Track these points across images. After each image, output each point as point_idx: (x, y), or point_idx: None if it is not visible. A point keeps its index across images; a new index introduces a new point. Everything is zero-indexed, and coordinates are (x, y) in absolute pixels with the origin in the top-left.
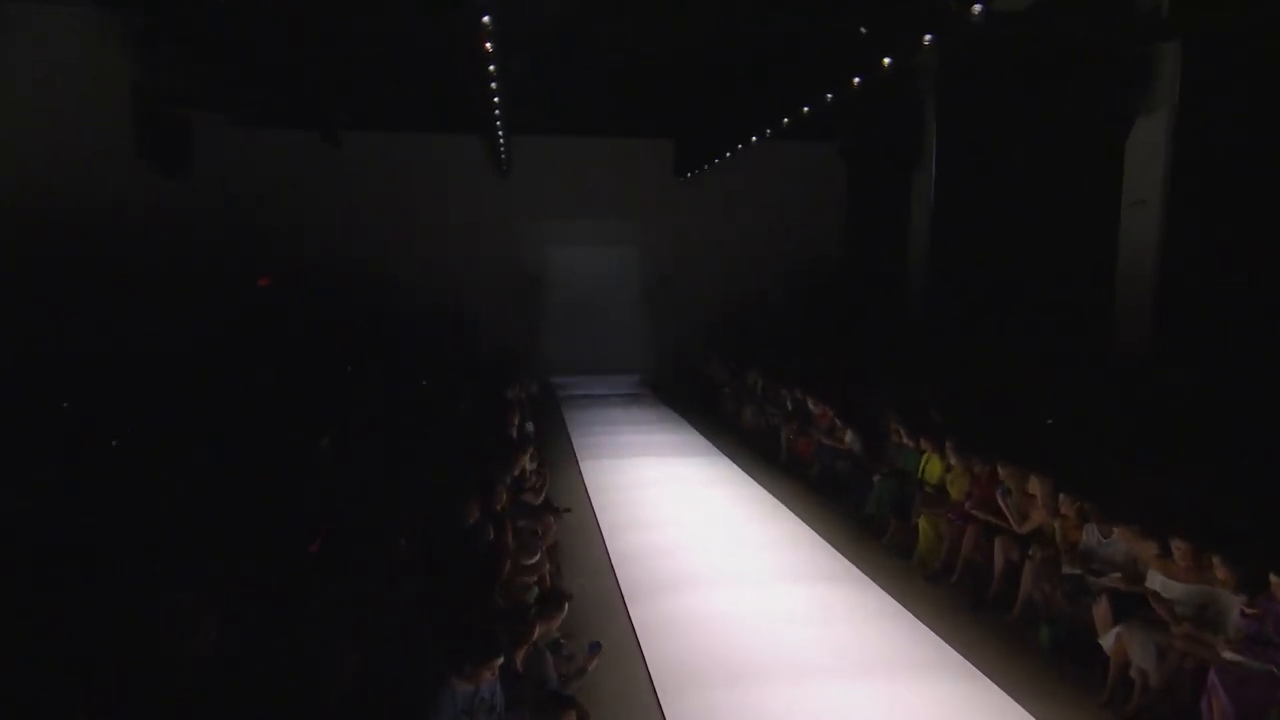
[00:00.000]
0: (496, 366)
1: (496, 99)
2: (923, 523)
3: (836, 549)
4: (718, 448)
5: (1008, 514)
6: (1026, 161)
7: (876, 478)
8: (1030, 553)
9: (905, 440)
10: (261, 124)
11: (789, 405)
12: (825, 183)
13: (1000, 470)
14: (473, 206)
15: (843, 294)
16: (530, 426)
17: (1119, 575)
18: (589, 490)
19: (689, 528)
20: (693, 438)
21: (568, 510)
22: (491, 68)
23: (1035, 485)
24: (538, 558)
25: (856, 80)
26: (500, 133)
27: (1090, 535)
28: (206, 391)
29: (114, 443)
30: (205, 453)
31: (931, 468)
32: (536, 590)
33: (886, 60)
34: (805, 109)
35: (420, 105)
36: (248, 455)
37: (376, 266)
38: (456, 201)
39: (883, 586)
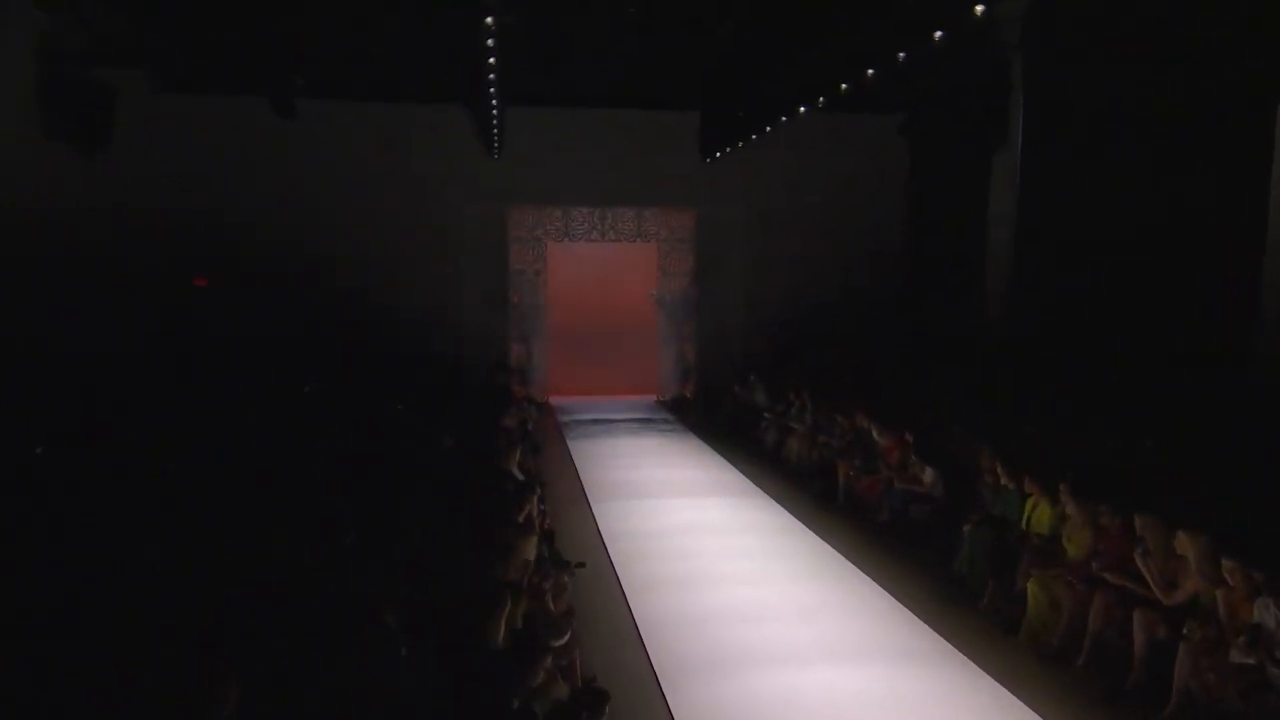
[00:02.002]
0: (489, 387)
1: (492, 60)
2: (1032, 586)
3: (919, 617)
4: (759, 486)
5: (1150, 579)
6: (1143, 134)
7: (967, 527)
8: (1185, 630)
9: (1005, 481)
10: (198, 89)
11: (847, 435)
12: (883, 165)
13: (1137, 522)
14: (457, 192)
15: (908, 298)
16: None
17: None
18: (605, 539)
19: (730, 587)
20: (727, 474)
21: (581, 565)
22: (489, 20)
23: (1185, 543)
24: (566, 638)
25: (938, 35)
26: (494, 103)
27: (1266, 613)
28: (126, 418)
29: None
30: (133, 486)
31: (1040, 516)
32: (562, 682)
33: (979, 8)
34: (869, 72)
35: (395, 68)
36: (182, 490)
37: (338, 264)
38: (437, 186)
39: (984, 668)
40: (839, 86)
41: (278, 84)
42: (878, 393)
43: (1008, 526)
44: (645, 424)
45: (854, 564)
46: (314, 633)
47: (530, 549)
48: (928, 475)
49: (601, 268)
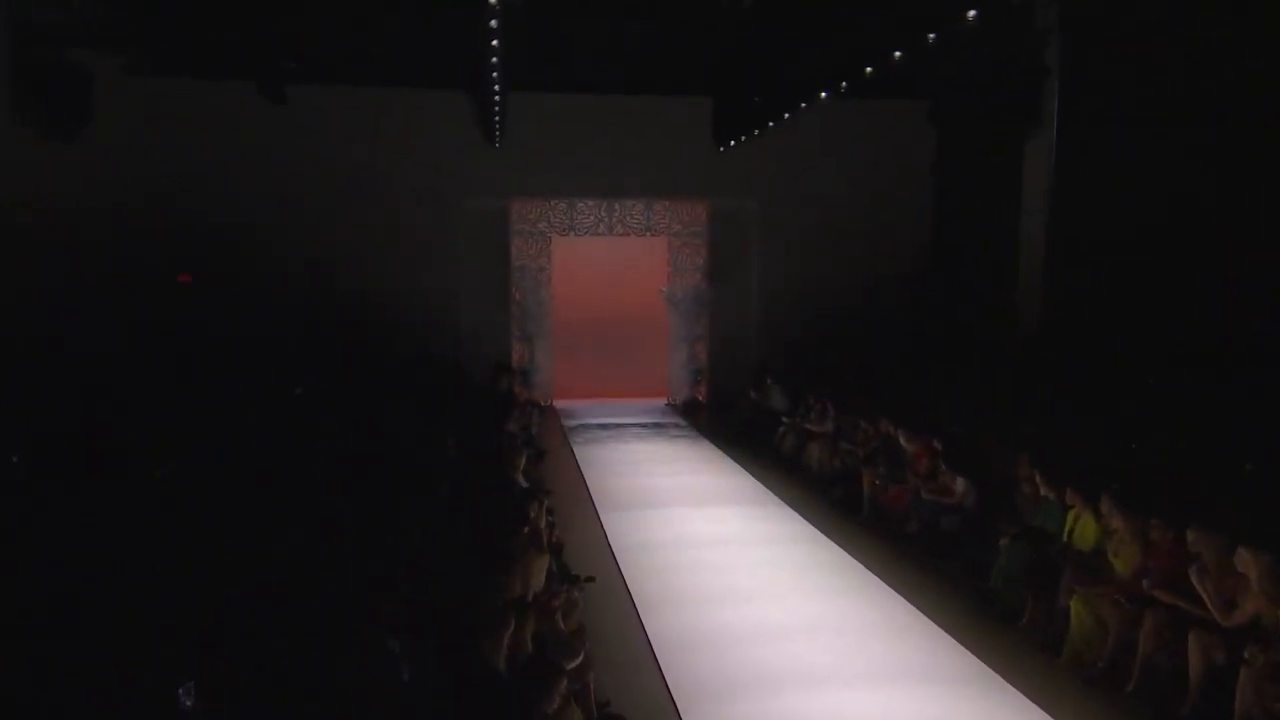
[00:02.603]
0: (491, 389)
1: (495, 42)
2: (1076, 604)
3: (952, 636)
4: (777, 495)
5: (1206, 598)
6: (1189, 120)
7: (1003, 540)
8: (1247, 655)
9: (1044, 490)
10: (182, 72)
11: (872, 441)
12: (908, 154)
13: (1191, 536)
14: (456, 183)
15: (935, 294)
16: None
17: None
18: (615, 552)
19: (749, 604)
20: (743, 482)
21: (590, 580)
22: (493, 0)
23: (1246, 560)
24: (580, 660)
25: (971, 14)
26: (496, 88)
27: None
28: (114, 420)
29: None
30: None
31: (1084, 529)
32: (576, 708)
33: None
34: (897, 54)
35: (392, 52)
36: (177, 494)
37: (331, 259)
38: (435, 177)
39: (1024, 691)
40: (864, 70)
41: (267, 68)
42: (903, 395)
43: (1048, 540)
44: (655, 429)
45: (881, 579)
46: (314, 637)
47: (540, 564)
48: (959, 484)
49: (609, 263)
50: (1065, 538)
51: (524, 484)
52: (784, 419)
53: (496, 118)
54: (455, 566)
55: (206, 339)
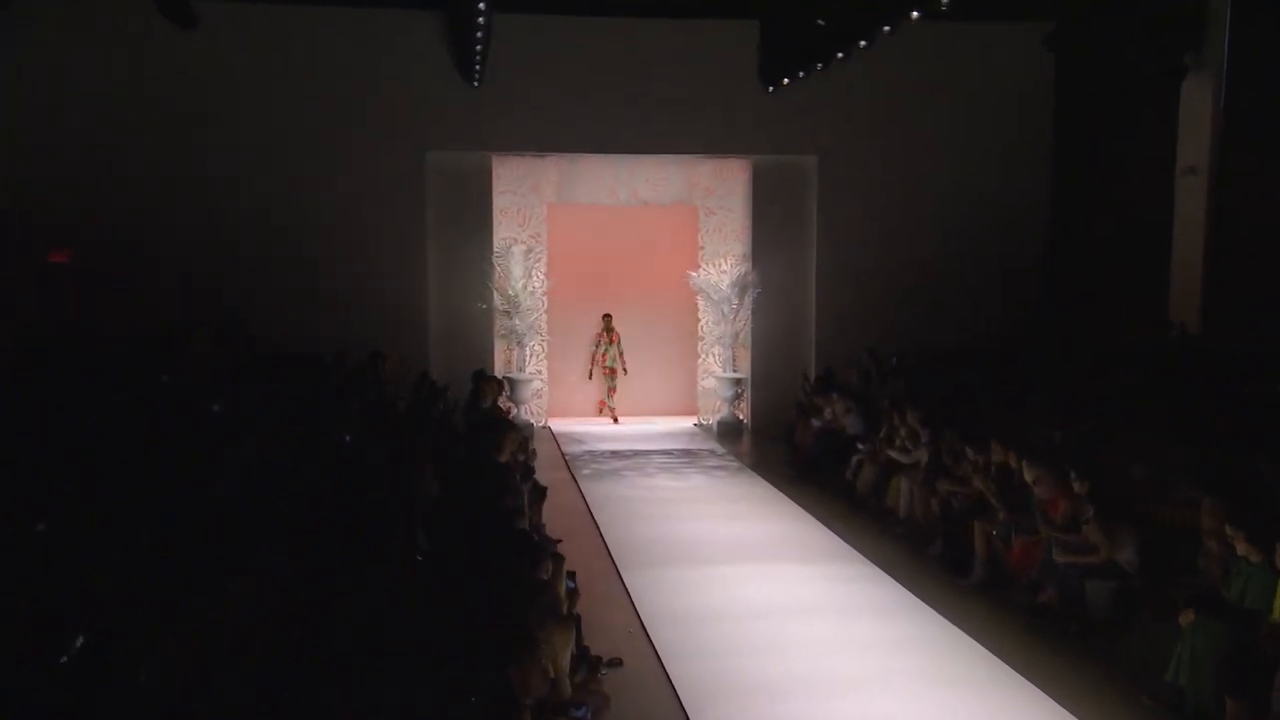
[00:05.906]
0: (471, 407)
1: None
2: None
3: None
4: (855, 548)
5: None
6: None
7: (1185, 618)
8: None
9: (1243, 549)
10: None
11: (986, 479)
12: (1020, 93)
13: None
14: (422, 133)
15: (1056, 280)
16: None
17: None
18: (646, 625)
19: (834, 698)
20: (807, 530)
21: (615, 663)
22: None
23: None
24: None
25: None
26: (480, 6)
27: None
28: None
29: None
30: None
31: None
32: None
33: None
34: None
35: None
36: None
37: (254, 234)
38: (394, 125)
39: None
40: None
41: None
42: (1021, 414)
43: (1250, 618)
44: (685, 458)
45: (1010, 665)
46: None
47: (564, 641)
48: (1110, 537)
49: (620, 241)
50: (1274, 614)
51: (533, 534)
52: (858, 445)
53: (477, 46)
54: (450, 658)
55: (90, 339)
